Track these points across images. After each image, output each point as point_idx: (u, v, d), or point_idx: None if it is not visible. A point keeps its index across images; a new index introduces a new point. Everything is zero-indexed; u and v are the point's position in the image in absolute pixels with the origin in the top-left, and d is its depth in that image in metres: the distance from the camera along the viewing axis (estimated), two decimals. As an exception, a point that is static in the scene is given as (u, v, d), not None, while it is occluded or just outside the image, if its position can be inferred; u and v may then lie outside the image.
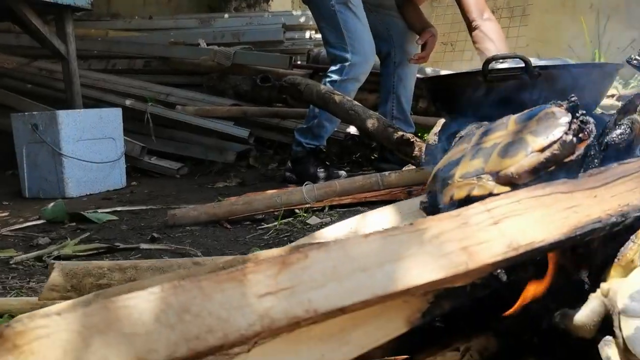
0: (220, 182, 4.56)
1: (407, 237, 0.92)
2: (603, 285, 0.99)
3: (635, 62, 1.56)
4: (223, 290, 0.80)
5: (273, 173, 4.83)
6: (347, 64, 3.86)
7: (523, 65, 2.89)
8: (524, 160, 1.11)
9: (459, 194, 1.17)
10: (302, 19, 5.82)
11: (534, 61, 3.14)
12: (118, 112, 4.40)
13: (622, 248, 1.02)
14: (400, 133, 3.59)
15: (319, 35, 6.69)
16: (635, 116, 1.16)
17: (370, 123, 3.72)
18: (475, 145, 1.25)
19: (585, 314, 0.98)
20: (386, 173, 3.36)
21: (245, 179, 4.59)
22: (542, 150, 1.10)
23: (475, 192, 1.14)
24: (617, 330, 0.94)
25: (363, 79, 4.02)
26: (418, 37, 4.23)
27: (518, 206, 1.01)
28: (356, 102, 3.95)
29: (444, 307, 1.04)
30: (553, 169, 1.09)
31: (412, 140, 3.51)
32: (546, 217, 1.00)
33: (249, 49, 5.38)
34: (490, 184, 1.14)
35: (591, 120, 1.14)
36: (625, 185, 1.08)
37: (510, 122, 1.24)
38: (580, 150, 1.10)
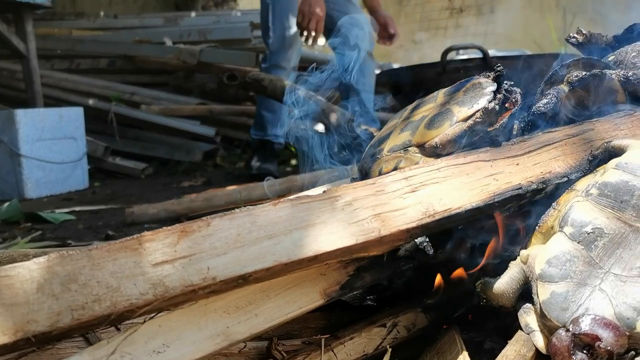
0: (186, 181, 4.49)
1: (318, 204, 0.89)
2: (523, 252, 0.97)
3: (573, 40, 1.55)
4: (115, 259, 0.76)
5: (240, 172, 4.78)
6: (267, 51, 3.97)
7: (481, 55, 2.91)
8: (448, 130, 1.08)
9: (387, 167, 1.14)
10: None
11: (492, 52, 3.14)
12: (79, 111, 4.32)
13: (543, 215, 1.00)
14: (363, 127, 3.58)
15: (287, 34, 6.68)
16: (562, 86, 1.14)
17: (334, 118, 3.70)
18: (405, 119, 1.23)
19: (505, 281, 0.96)
20: (349, 166, 3.34)
21: (212, 178, 4.53)
22: (466, 119, 1.08)
23: (402, 164, 1.12)
24: (535, 297, 0.92)
25: (287, 66, 4.03)
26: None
27: (438, 174, 0.99)
28: (320, 98, 3.94)
29: (366, 279, 1.01)
30: (477, 137, 1.07)
31: (374, 134, 3.49)
32: (466, 184, 0.98)
33: (216, 47, 5.33)
34: (417, 156, 1.12)
35: (517, 90, 1.12)
36: (549, 153, 1.06)
37: (439, 94, 1.22)
38: (505, 119, 1.08)
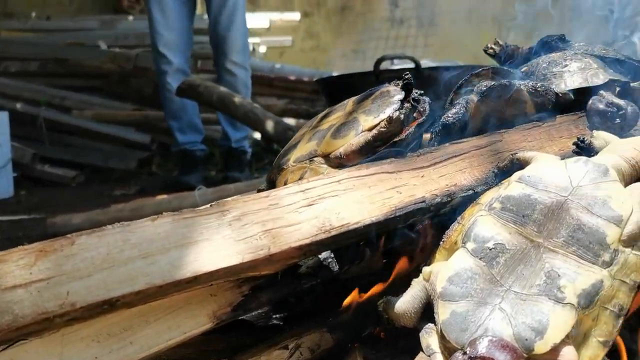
0: (119, 189, 4.33)
1: (203, 219, 0.82)
2: (425, 269, 0.92)
3: (490, 51, 1.54)
4: (-44, 284, 0.67)
5: (176, 179, 4.64)
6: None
7: (413, 65, 2.90)
8: (353, 139, 1.03)
9: (292, 178, 1.08)
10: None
11: (425, 62, 3.15)
12: (3, 115, 4.10)
13: (448, 230, 0.96)
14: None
15: (229, 39, 6.56)
16: (471, 96, 1.11)
17: (270, 126, 3.64)
18: (314, 128, 1.18)
19: (406, 300, 0.91)
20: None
21: (147, 186, 4.37)
22: (372, 129, 1.03)
23: (307, 175, 1.06)
24: (437, 316, 0.87)
25: (170, 70, 3.91)
26: None
27: (338, 187, 0.93)
28: (256, 105, 3.87)
29: (262, 299, 0.94)
30: (383, 147, 1.02)
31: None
32: (367, 197, 0.93)
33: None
34: (323, 167, 1.07)
35: (426, 99, 1.08)
36: (456, 165, 1.03)
37: (349, 102, 1.17)
38: (411, 128, 1.04)
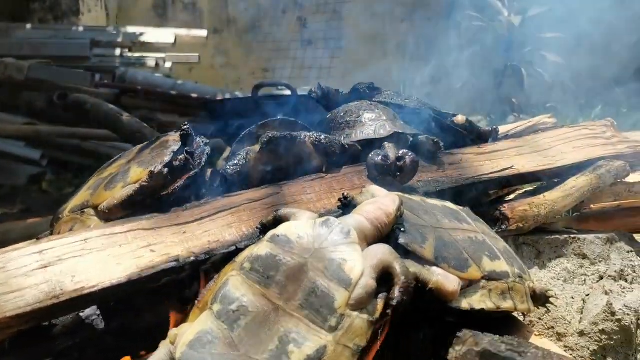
0: (3, 207, 4.11)
1: None
2: (172, 331, 0.90)
3: (314, 95, 1.55)
4: None
5: (68, 199, 4.46)
6: None
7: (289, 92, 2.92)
8: (118, 192, 1.00)
9: (64, 230, 1.04)
10: (118, 37, 5.53)
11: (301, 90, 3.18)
12: None
13: (204, 288, 0.94)
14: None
15: (131, 54, 6.38)
16: (254, 147, 1.10)
17: (158, 146, 3.56)
18: (98, 175, 1.14)
19: (151, 365, 0.88)
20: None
21: (33, 205, 4.17)
22: (137, 182, 1.00)
23: (76, 228, 1.02)
24: (174, 383, 0.85)
25: None
26: None
27: (84, 246, 0.90)
28: (145, 125, 3.78)
29: (0, 365, 0.89)
30: (148, 201, 1.00)
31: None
32: (114, 257, 0.90)
33: (48, 63, 4.98)
34: (93, 219, 1.03)
35: (206, 149, 1.07)
36: (224, 219, 1.01)
37: (135, 149, 1.14)
38: (181, 182, 1.02)
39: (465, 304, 0.96)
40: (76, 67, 5.28)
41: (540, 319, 1.25)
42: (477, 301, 0.98)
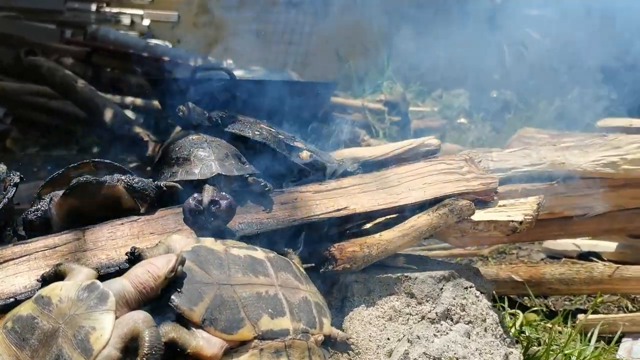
0: (-40, 166, 4.16)
1: None
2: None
3: (180, 113, 1.54)
4: None
5: (32, 159, 4.51)
6: None
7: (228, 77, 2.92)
8: None
9: None
10: (93, -11, 5.45)
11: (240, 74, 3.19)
12: None
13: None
14: (139, 130, 3.51)
15: (108, 9, 6.29)
16: (59, 191, 1.13)
17: (108, 117, 3.59)
18: None
19: None
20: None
21: (-7, 163, 4.23)
22: None
23: None
24: None
25: None
26: None
27: None
28: (99, 94, 3.80)
29: None
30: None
31: (146, 139, 3.44)
32: None
33: (17, 16, 4.94)
34: None
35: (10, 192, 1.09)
36: (14, 268, 1.05)
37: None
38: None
39: (233, 364, 1.01)
40: (49, 20, 5.24)
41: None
42: (246, 361, 1.02)
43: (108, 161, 1.22)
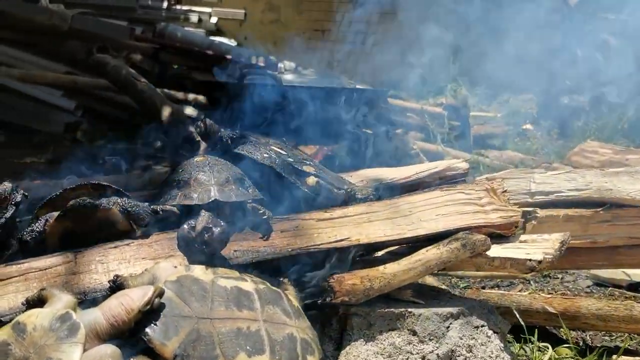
0: (32, 156, 4.40)
1: None
2: None
3: (198, 129, 1.55)
4: None
5: (98, 150, 4.69)
6: None
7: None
8: None
9: None
10: (165, -13, 5.60)
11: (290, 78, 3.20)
12: None
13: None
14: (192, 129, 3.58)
15: (179, 7, 6.45)
16: (53, 213, 1.15)
17: (165, 115, 3.69)
18: None
19: None
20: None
21: (63, 155, 4.43)
22: None
23: None
24: None
25: None
26: None
27: None
28: (158, 92, 3.92)
29: None
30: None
31: (197, 139, 3.51)
32: None
33: (92, 14, 5.15)
34: None
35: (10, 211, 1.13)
36: (4, 289, 1.08)
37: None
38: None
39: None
40: (121, 17, 5.42)
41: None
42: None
43: (106, 183, 1.23)
